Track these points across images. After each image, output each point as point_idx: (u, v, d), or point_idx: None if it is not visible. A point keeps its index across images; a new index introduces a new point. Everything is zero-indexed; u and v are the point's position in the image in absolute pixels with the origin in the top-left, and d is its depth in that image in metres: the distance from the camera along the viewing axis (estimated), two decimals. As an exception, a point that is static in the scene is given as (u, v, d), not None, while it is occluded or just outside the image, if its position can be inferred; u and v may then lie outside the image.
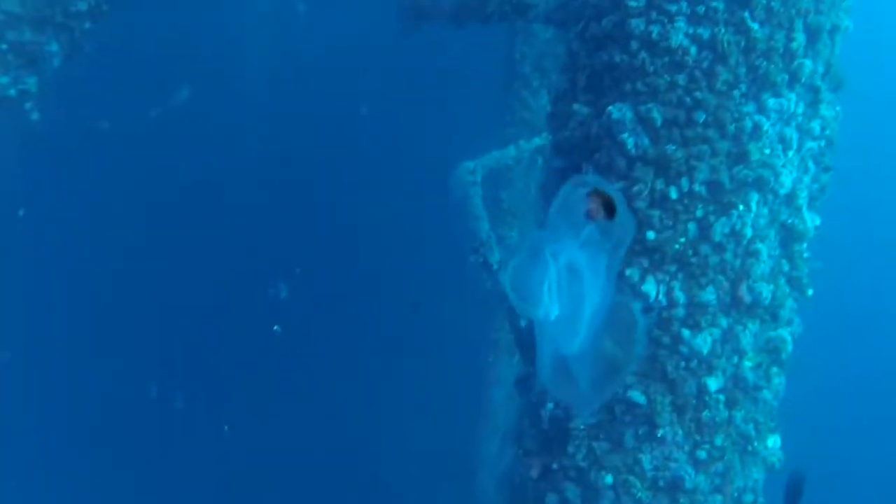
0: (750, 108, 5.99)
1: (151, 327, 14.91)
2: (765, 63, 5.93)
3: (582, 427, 6.25)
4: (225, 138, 15.24)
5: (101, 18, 9.37)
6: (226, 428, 14.05)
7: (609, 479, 6.16)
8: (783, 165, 6.18)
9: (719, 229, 5.97)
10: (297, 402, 14.82)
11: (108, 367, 14.68)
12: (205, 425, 14.39)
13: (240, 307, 14.92)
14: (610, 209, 3.41)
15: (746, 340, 6.19)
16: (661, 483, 6.14)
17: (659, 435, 6.10)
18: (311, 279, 14.85)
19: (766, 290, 6.17)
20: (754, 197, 6.07)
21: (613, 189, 3.48)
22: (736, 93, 5.92)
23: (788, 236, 6.46)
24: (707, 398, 6.15)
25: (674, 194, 5.87)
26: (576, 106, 6.33)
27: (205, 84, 14.22)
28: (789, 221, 6.43)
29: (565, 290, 3.62)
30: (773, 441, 6.51)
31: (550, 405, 6.42)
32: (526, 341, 7.07)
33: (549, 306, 3.62)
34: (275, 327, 13.81)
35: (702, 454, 6.17)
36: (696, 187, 5.90)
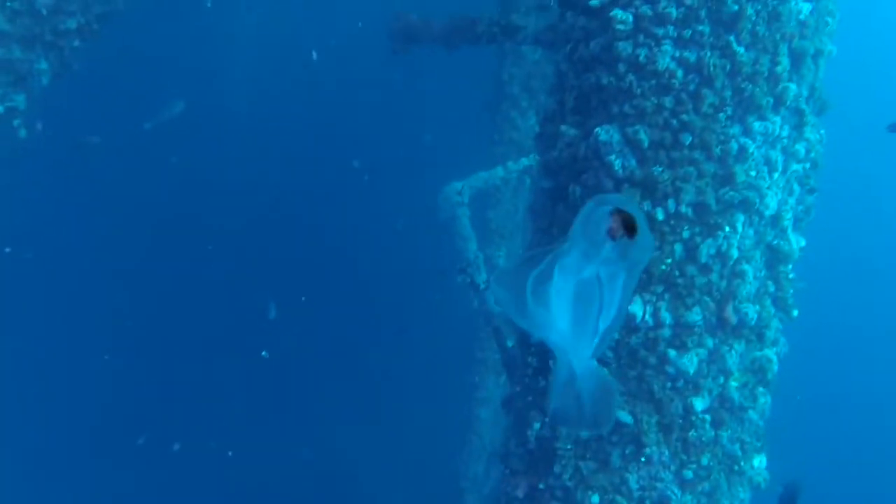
0: (736, 130, 6.04)
1: (141, 339, 14.87)
2: (750, 86, 5.99)
3: (569, 447, 6.26)
4: (215, 154, 15.26)
5: (90, 37, 9.38)
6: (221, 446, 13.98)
7: (596, 498, 6.16)
8: (768, 187, 6.23)
9: (705, 250, 6.00)
10: (285, 419, 14.77)
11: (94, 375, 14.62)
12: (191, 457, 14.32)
13: (228, 324, 14.89)
14: (631, 228, 3.46)
15: (732, 360, 6.22)
16: (647, 503, 6.16)
17: (645, 454, 6.12)
18: (300, 298, 14.84)
19: (751, 311, 6.20)
20: (740, 218, 6.11)
21: (636, 208, 3.52)
22: (722, 115, 5.96)
23: (774, 257, 6.50)
24: (693, 418, 6.17)
25: (660, 215, 5.90)
26: (564, 127, 6.36)
27: (194, 102, 14.24)
28: (775, 243, 6.47)
29: (583, 304, 3.68)
30: (760, 461, 6.53)
31: (537, 425, 6.43)
32: (513, 361, 7.09)
33: (564, 319, 3.69)
34: (263, 353, 13.79)
35: (688, 474, 6.19)
36: (683, 209, 5.94)
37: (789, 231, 6.55)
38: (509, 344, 7.29)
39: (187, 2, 15.67)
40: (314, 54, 15.25)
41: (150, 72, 14.93)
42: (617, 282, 3.69)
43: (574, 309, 3.73)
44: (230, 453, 14.19)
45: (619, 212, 3.51)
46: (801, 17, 6.14)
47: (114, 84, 14.06)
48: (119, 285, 15.33)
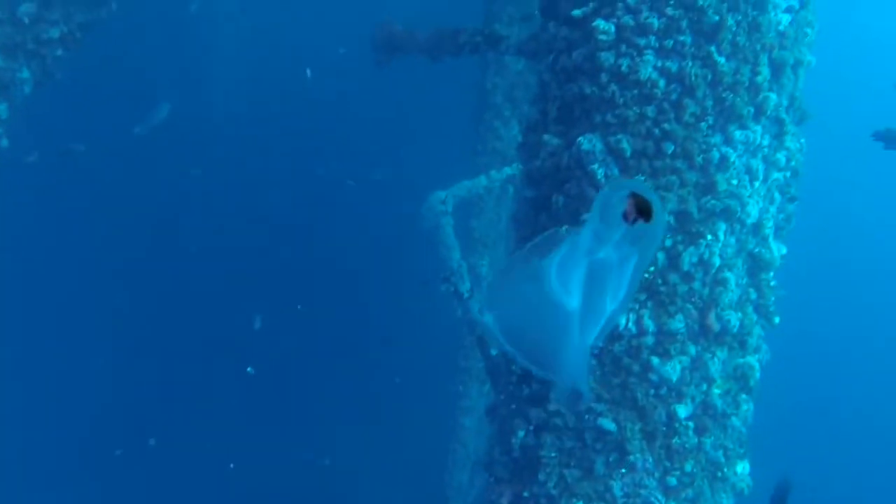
0: (717, 139, 6.09)
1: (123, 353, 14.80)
2: (731, 96, 6.05)
3: (553, 455, 6.28)
4: (200, 162, 15.23)
5: (73, 46, 9.36)
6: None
7: (580, 506, 6.18)
8: (750, 196, 6.28)
9: (688, 258, 6.05)
10: (269, 426, 14.72)
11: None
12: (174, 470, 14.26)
13: (212, 334, 14.84)
14: (646, 212, 3.53)
15: (715, 368, 6.26)
16: (631, 510, 6.18)
17: (629, 462, 6.14)
18: (285, 308, 14.81)
19: (734, 318, 6.25)
20: (722, 227, 6.16)
21: (651, 193, 3.60)
22: (703, 125, 6.02)
23: (755, 265, 6.55)
24: (677, 425, 6.21)
25: (643, 224, 5.93)
26: (546, 136, 6.40)
27: (178, 111, 14.23)
28: (756, 250, 6.53)
29: (594, 284, 3.80)
30: (742, 467, 6.57)
31: (521, 433, 6.45)
32: (497, 369, 7.10)
33: (576, 297, 3.78)
34: (248, 369, 13.76)
35: (672, 481, 6.21)
36: (665, 217, 5.98)
37: (770, 239, 6.61)
38: (493, 352, 7.30)
39: (170, 11, 15.65)
40: (308, 72, 15.28)
41: (132, 80, 14.90)
42: (628, 265, 3.78)
43: (585, 288, 3.82)
44: (231, 465, 14.14)
45: (635, 196, 3.57)
46: (781, 27, 6.22)
47: (97, 91, 14.02)
48: (105, 291, 15.27)
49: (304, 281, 15.49)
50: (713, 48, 5.98)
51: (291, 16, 17.22)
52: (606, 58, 6.01)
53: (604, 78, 6.02)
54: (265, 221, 16.03)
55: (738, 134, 6.15)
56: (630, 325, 6.06)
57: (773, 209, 6.65)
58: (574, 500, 6.18)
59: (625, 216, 3.56)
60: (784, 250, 6.74)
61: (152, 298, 15.34)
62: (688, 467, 6.26)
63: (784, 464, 7.93)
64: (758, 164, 6.34)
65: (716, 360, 6.27)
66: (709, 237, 6.09)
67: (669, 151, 5.93)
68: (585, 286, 3.82)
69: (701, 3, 5.91)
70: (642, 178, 5.89)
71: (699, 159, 6.01)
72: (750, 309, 6.48)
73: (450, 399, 12.49)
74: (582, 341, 3.94)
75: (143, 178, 15.33)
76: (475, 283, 9.90)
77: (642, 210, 3.53)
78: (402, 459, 14.07)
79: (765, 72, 6.14)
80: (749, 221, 6.34)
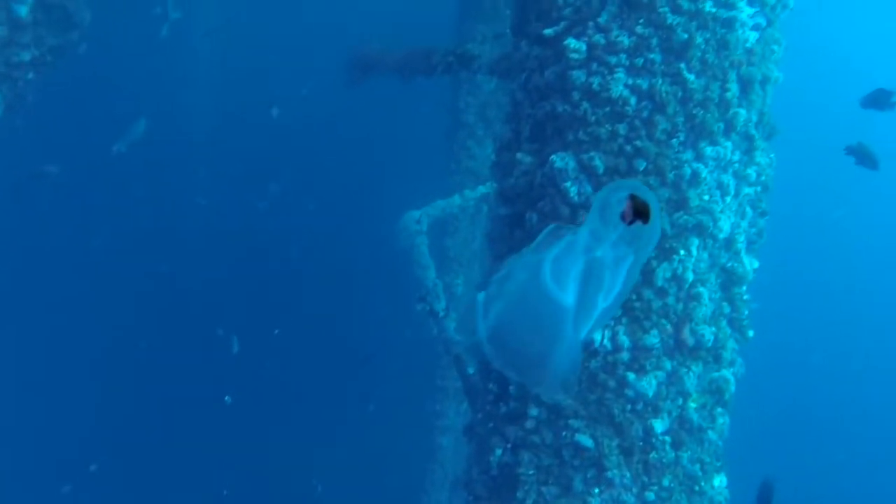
0: (688, 155, 6.15)
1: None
2: (701, 112, 6.11)
3: (531, 473, 6.28)
4: (172, 184, 15.17)
5: (44, 69, 9.33)
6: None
7: (559, 523, 6.18)
8: (721, 211, 6.35)
9: (661, 274, 6.09)
10: (248, 439, 14.62)
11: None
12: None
13: (189, 357, 14.74)
14: (644, 214, 3.55)
15: (690, 382, 6.29)
16: (610, 526, 6.19)
17: (607, 478, 6.15)
18: (262, 329, 14.74)
19: (708, 333, 6.29)
20: (695, 242, 6.21)
21: (651, 196, 3.63)
22: (675, 141, 6.07)
23: (728, 279, 6.59)
24: (654, 440, 6.23)
25: (616, 240, 5.97)
26: (519, 155, 6.44)
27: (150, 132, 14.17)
28: (729, 265, 6.58)
29: (589, 281, 3.88)
30: (720, 480, 6.59)
31: (499, 451, 6.44)
32: (474, 388, 7.10)
33: (571, 293, 3.83)
34: (226, 398, 13.67)
35: (650, 496, 6.23)
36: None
37: (743, 253, 6.67)
38: (470, 371, 7.30)
39: (141, 34, 15.64)
40: (275, 111, 15.31)
41: (106, 101, 14.85)
42: (623, 264, 3.84)
43: (580, 284, 3.87)
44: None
45: (634, 198, 3.66)
46: (749, 45, 6.29)
47: (70, 113, 13.97)
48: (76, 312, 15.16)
49: (282, 301, 15.43)
50: (683, 65, 6.05)
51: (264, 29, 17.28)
52: (578, 76, 6.06)
53: (576, 96, 6.07)
54: (241, 241, 15.97)
55: (708, 150, 6.21)
56: (605, 341, 6.09)
57: (744, 224, 6.71)
58: (553, 517, 6.18)
59: (623, 217, 3.61)
60: (756, 264, 6.80)
61: (124, 326, 15.21)
62: (665, 482, 6.27)
63: (759, 476, 7.97)
64: (729, 180, 6.41)
65: (691, 374, 6.30)
66: (682, 252, 6.14)
67: (641, 168, 5.98)
68: (581, 283, 3.88)
69: (670, 21, 5.99)
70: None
71: (671, 175, 6.06)
72: (724, 323, 6.52)
73: (427, 419, 12.46)
74: (575, 335, 4.00)
75: (112, 199, 15.26)
76: (450, 302, 9.90)
77: (640, 212, 3.58)
78: (380, 480, 14.00)
79: (734, 88, 6.21)
80: (721, 236, 6.39)
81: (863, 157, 9.90)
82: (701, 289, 6.28)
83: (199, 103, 16.86)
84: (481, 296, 4.22)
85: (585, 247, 3.85)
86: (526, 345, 4.12)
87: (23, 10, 8.77)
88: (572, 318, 3.97)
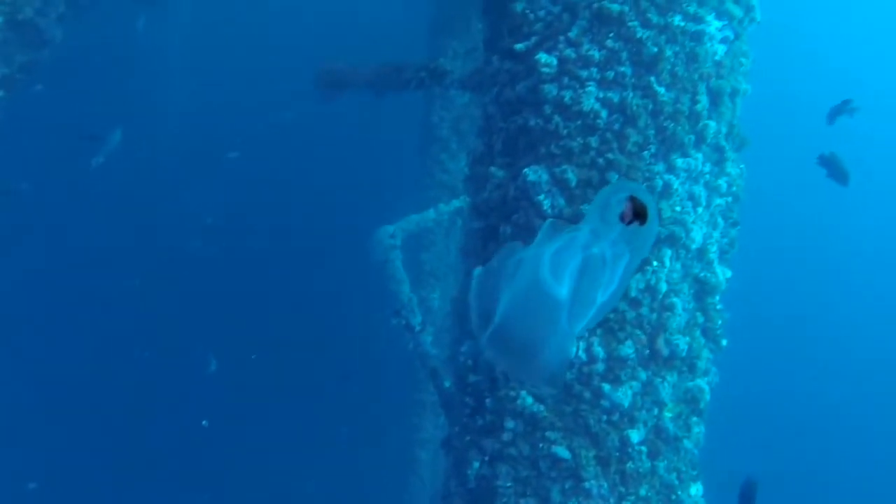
0: (660, 167, 6.21)
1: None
2: (672, 125, 6.17)
3: (509, 485, 6.29)
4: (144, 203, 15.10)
5: (13, 87, 9.28)
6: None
7: (538, 534, 6.19)
8: (693, 222, 6.41)
9: (635, 285, 6.13)
10: (228, 456, 14.52)
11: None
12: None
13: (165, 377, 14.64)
14: (642, 215, 3.71)
15: (665, 392, 6.34)
16: (588, 536, 6.21)
17: (584, 489, 6.17)
18: (239, 345, 14.67)
19: (682, 342, 6.34)
20: (668, 253, 6.27)
21: (649, 198, 3.79)
22: (646, 153, 6.13)
23: (701, 289, 6.65)
24: (630, 450, 6.26)
25: (590, 252, 6.01)
26: (493, 169, 6.47)
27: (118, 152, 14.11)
28: (702, 275, 6.63)
29: (586, 277, 4.02)
30: (696, 489, 6.63)
31: (476, 464, 6.45)
32: (450, 401, 7.11)
33: (565, 286, 4.01)
34: (203, 422, 13.59)
35: (627, 506, 6.26)
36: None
37: (715, 263, 6.72)
38: (446, 384, 7.31)
39: (112, 54, 15.61)
40: (233, 154, 15.32)
41: (77, 118, 14.76)
42: (620, 262, 4.00)
43: (577, 279, 4.02)
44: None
45: (633, 199, 3.79)
46: (717, 57, 6.37)
47: (43, 127, 13.90)
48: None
49: (258, 319, 15.37)
50: (653, 79, 6.11)
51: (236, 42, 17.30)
52: (549, 90, 6.11)
53: (547, 110, 6.12)
54: (214, 259, 15.91)
55: (680, 161, 6.27)
56: (580, 352, 6.12)
57: (716, 234, 6.77)
58: (531, 529, 6.19)
59: (622, 217, 3.71)
60: (729, 274, 6.86)
61: (97, 344, 15.10)
62: (642, 491, 6.30)
63: (735, 484, 8.01)
64: (700, 191, 6.47)
65: (666, 384, 6.35)
66: (655, 263, 6.19)
67: (614, 180, 6.03)
68: (577, 278, 3.99)
69: (640, 35, 6.05)
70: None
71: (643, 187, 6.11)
72: (698, 333, 6.57)
73: (406, 432, 12.45)
74: (569, 330, 4.09)
75: (82, 216, 15.19)
76: (426, 316, 9.92)
77: (639, 213, 3.69)
78: (358, 493, 13.95)
79: (704, 100, 6.28)
80: (694, 247, 6.45)
81: (834, 170, 9.91)
82: (674, 299, 6.33)
83: (168, 124, 16.85)
84: (476, 283, 4.31)
85: (585, 243, 3.99)
86: (519, 335, 4.22)
87: (-8, 29, 8.75)
88: (567, 313, 4.07)
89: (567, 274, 4.02)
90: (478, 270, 4.31)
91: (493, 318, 4.23)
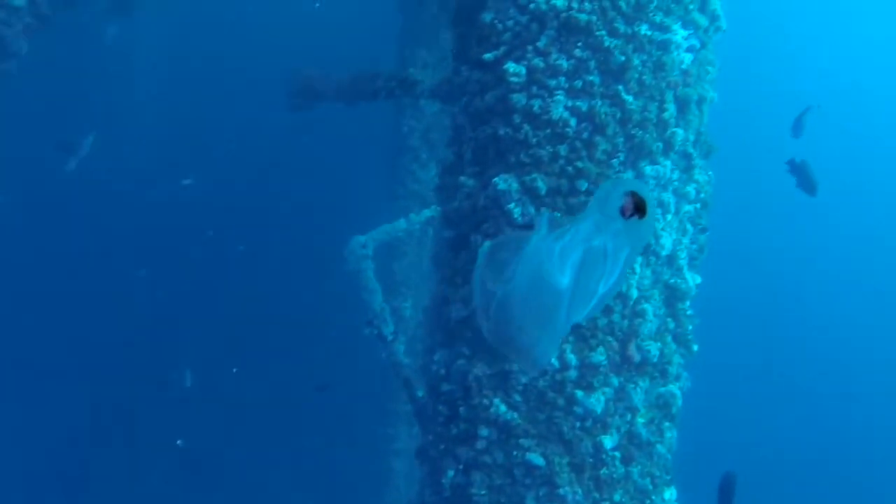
0: (629, 175, 6.26)
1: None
2: (640, 132, 6.23)
3: (483, 493, 6.30)
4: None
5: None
6: None
7: (513, 542, 6.21)
8: (663, 228, 6.46)
9: (606, 292, 6.17)
10: (203, 466, 14.43)
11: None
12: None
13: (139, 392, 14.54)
14: (642, 209, 3.85)
15: (638, 397, 6.38)
16: (563, 543, 6.22)
17: (559, 495, 6.19)
18: (211, 357, 14.60)
19: (654, 348, 6.39)
20: (638, 259, 6.32)
21: (648, 194, 3.95)
22: (615, 161, 6.18)
23: (672, 295, 6.70)
24: (604, 456, 6.30)
25: (561, 260, 6.04)
26: (463, 178, 6.49)
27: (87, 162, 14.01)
28: (672, 281, 6.68)
29: (587, 268, 4.19)
30: (670, 493, 6.67)
31: (451, 472, 6.46)
32: (424, 410, 7.11)
33: (566, 275, 4.19)
34: (178, 441, 13.50)
35: (602, 512, 6.29)
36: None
37: (685, 269, 6.78)
38: (419, 394, 7.31)
39: (80, 61, 15.52)
40: (187, 181, 15.26)
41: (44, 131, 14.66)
42: (620, 255, 4.16)
43: (578, 269, 4.19)
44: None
45: (633, 194, 3.93)
46: (684, 66, 6.44)
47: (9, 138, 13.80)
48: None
49: (234, 328, 15.31)
50: (621, 87, 6.17)
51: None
52: (518, 99, 6.14)
53: (516, 119, 6.15)
54: (188, 272, 15.83)
55: (648, 169, 6.32)
56: (553, 360, 6.15)
57: (685, 240, 6.82)
58: (506, 536, 6.21)
59: (622, 211, 3.80)
60: (699, 280, 6.92)
61: (74, 359, 14.98)
62: (617, 497, 6.34)
63: (709, 488, 8.07)
64: (669, 198, 6.53)
65: (638, 390, 6.39)
66: (625, 270, 6.22)
67: (583, 189, 6.07)
68: (579, 268, 4.10)
69: (607, 44, 6.10)
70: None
71: (612, 195, 6.15)
72: (669, 338, 6.62)
73: (380, 443, 12.43)
74: (567, 318, 4.19)
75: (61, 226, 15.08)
76: (399, 325, 9.92)
77: (639, 207, 3.78)
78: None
79: (671, 108, 6.34)
80: (663, 253, 6.51)
81: (803, 179, 9.92)
82: (645, 305, 6.38)
83: (137, 136, 16.78)
84: (481, 261, 4.42)
85: (587, 236, 4.14)
86: (520, 321, 4.33)
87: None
88: (567, 302, 4.17)
89: (569, 264, 4.13)
90: (486, 245, 4.42)
91: (496, 298, 4.34)
